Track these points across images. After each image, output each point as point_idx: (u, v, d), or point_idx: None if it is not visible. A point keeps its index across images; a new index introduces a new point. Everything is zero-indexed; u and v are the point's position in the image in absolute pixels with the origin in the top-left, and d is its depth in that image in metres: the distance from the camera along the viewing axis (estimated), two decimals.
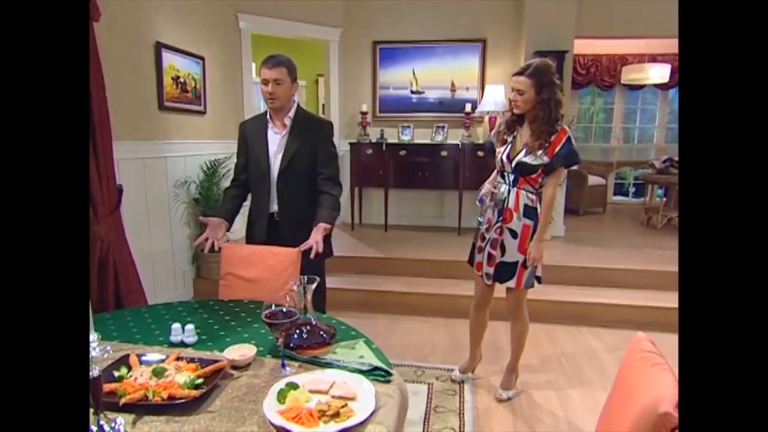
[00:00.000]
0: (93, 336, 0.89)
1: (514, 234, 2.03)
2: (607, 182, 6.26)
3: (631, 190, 7.09)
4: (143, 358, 1.19)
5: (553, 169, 1.95)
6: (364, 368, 1.19)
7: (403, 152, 4.49)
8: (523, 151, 1.96)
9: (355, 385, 1.10)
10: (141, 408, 1.00)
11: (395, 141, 4.66)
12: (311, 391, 1.07)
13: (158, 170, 3.08)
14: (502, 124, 2.11)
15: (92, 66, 2.31)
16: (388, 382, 1.16)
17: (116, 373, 1.12)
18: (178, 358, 1.18)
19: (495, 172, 2.17)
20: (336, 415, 0.98)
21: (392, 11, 4.68)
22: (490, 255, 2.10)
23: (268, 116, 1.99)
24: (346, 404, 1.02)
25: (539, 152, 1.92)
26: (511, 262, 2.05)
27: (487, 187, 2.12)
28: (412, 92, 4.76)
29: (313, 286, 1.30)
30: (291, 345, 1.27)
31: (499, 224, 2.05)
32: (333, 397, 1.06)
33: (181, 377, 1.08)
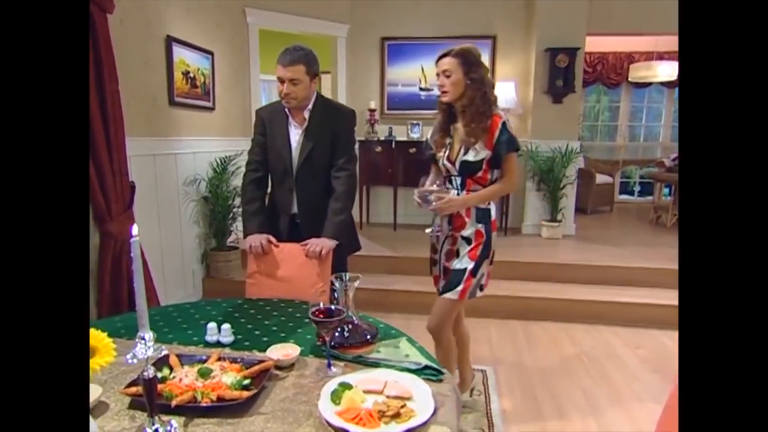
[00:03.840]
0: (148, 335, 0.85)
1: (468, 241, 1.83)
2: (614, 181, 6.28)
3: (636, 188, 7.11)
4: (183, 358, 1.15)
5: (500, 158, 1.77)
6: (414, 367, 1.16)
7: (412, 150, 4.46)
8: (463, 149, 1.79)
9: (408, 385, 1.07)
10: (191, 410, 0.97)
11: (404, 139, 4.63)
12: (365, 391, 1.04)
13: (168, 167, 3.03)
14: (435, 128, 1.90)
15: (105, 59, 2.26)
16: (441, 381, 1.13)
17: (159, 374, 1.08)
18: (219, 359, 1.15)
19: (432, 173, 1.95)
20: (396, 415, 0.95)
21: (400, 7, 4.65)
22: (446, 269, 1.88)
23: (286, 108, 1.87)
24: (405, 404, 0.99)
25: (478, 145, 1.75)
26: (460, 269, 1.82)
27: (427, 184, 1.86)
28: (421, 89, 4.74)
29: (356, 283, 1.27)
30: (333, 344, 1.24)
31: (450, 233, 1.86)
32: (388, 397, 1.03)
33: (227, 378, 1.05)
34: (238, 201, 3.45)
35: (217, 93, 3.58)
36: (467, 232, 1.83)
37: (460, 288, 1.81)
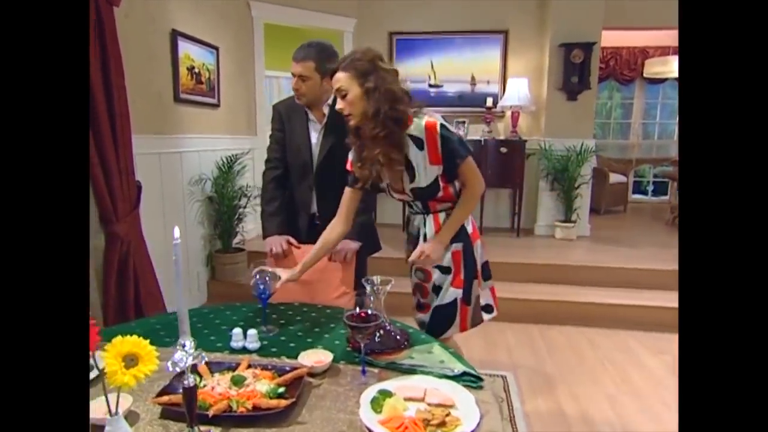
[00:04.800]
0: (189, 341, 0.84)
1: (445, 270, 1.58)
2: (628, 180, 6.28)
3: (650, 188, 7.12)
4: (212, 365, 1.14)
5: (456, 167, 1.48)
6: (452, 373, 1.15)
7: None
8: (406, 177, 1.51)
9: (449, 392, 1.07)
10: (227, 419, 0.96)
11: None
12: (405, 399, 1.03)
13: (174, 166, 3.02)
14: (355, 160, 1.56)
15: (112, 52, 2.25)
16: (481, 387, 1.12)
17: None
18: (249, 366, 1.14)
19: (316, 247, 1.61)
20: (442, 424, 0.95)
21: (409, 0, 4.65)
22: (420, 304, 1.67)
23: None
24: (449, 412, 0.98)
25: (423, 165, 1.47)
26: (448, 302, 1.58)
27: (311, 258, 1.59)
28: (430, 86, 4.74)
29: (388, 287, 1.27)
30: (365, 350, 1.23)
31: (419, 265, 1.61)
32: (430, 404, 1.03)
33: (262, 386, 1.04)
34: (244, 201, 3.45)
35: (222, 89, 3.58)
36: (444, 260, 1.57)
37: (456, 322, 1.59)
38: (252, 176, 3.85)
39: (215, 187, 3.35)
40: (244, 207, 3.46)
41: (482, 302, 1.65)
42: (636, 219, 5.73)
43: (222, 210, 3.37)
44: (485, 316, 1.66)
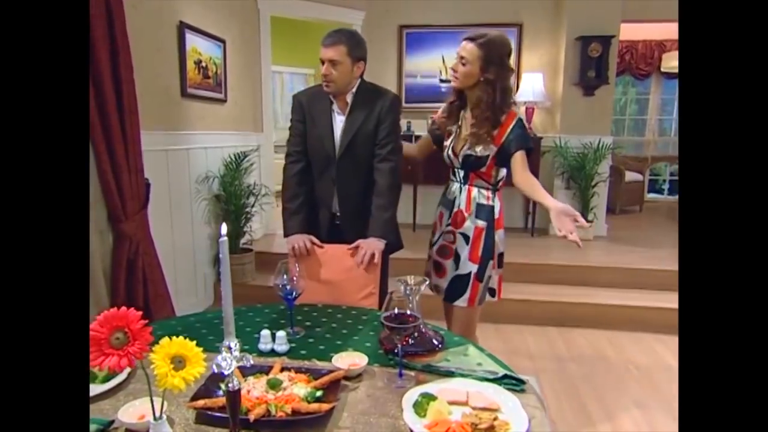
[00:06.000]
0: (234, 343, 0.84)
1: (466, 239, 1.82)
2: (644, 178, 6.28)
3: (666, 186, 7.12)
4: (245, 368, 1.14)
5: (508, 156, 1.74)
6: (492, 376, 1.15)
7: (432, 146, 4.45)
8: (468, 142, 1.77)
9: (492, 396, 1.06)
10: (266, 424, 0.96)
11: (423, 133, 4.61)
12: (449, 402, 1.03)
13: (181, 163, 3.02)
14: (444, 108, 1.89)
15: (121, 45, 2.25)
16: (523, 391, 1.12)
17: (223, 386, 1.07)
18: (282, 369, 1.14)
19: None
20: (490, 428, 0.94)
21: None
22: (438, 264, 1.90)
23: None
24: (497, 416, 0.98)
25: (486, 141, 1.74)
26: (464, 274, 1.81)
27: None
28: (441, 81, 4.73)
29: (422, 288, 1.26)
30: (397, 352, 1.23)
31: (449, 228, 1.86)
32: (474, 408, 1.02)
33: (299, 390, 1.04)
34: (252, 200, 3.45)
35: (229, 84, 3.57)
36: (465, 227, 1.82)
37: (467, 295, 1.81)
38: (259, 174, 3.85)
39: (223, 185, 3.35)
40: (252, 206, 3.46)
41: (490, 284, 1.86)
42: (653, 219, 5.72)
43: (230, 209, 3.36)
44: (488, 298, 1.87)
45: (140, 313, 0.77)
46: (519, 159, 1.74)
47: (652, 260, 3.76)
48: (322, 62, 1.77)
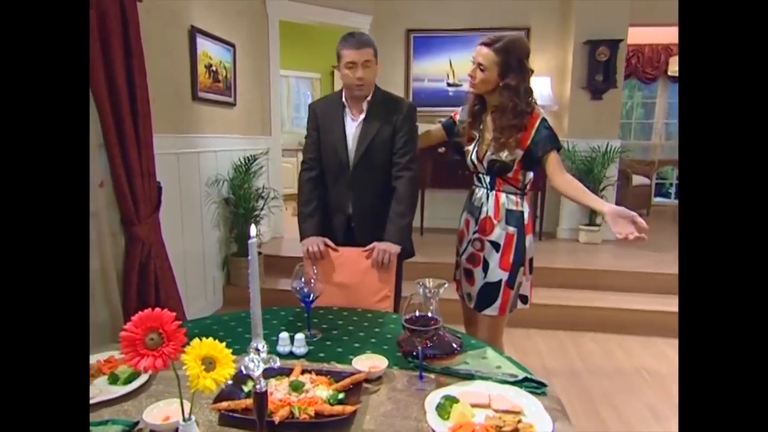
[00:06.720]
0: (261, 344, 0.85)
1: (496, 247, 1.77)
2: (651, 182, 6.26)
3: (672, 190, 7.10)
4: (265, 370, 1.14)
5: (535, 159, 1.69)
6: (512, 379, 1.15)
7: (441, 149, 4.45)
8: (492, 147, 1.72)
9: (513, 398, 1.06)
10: (290, 426, 0.96)
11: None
12: (471, 405, 1.03)
13: (192, 166, 3.03)
14: (465, 111, 1.85)
15: (135, 49, 2.27)
16: (544, 393, 1.12)
17: (245, 388, 1.08)
18: (303, 371, 1.14)
19: None
20: (515, 431, 0.94)
21: None
22: (468, 272, 1.85)
23: (343, 98, 1.86)
24: (520, 419, 0.98)
25: (512, 147, 1.69)
26: (494, 281, 1.77)
27: None
28: (449, 85, 4.75)
29: (441, 290, 1.27)
30: (416, 354, 1.23)
31: (476, 236, 1.81)
32: (497, 411, 1.02)
33: (321, 392, 1.04)
34: (261, 203, 3.46)
35: (238, 88, 3.60)
36: (495, 235, 1.77)
37: (497, 303, 1.77)
38: (267, 177, 3.86)
39: (232, 189, 3.36)
40: (261, 209, 3.47)
41: (522, 291, 1.83)
42: (661, 223, 5.69)
43: (239, 212, 3.37)
44: (520, 305, 1.85)
45: (174, 314, 0.77)
46: (554, 161, 1.68)
47: (663, 264, 3.75)
48: (352, 66, 1.75)
